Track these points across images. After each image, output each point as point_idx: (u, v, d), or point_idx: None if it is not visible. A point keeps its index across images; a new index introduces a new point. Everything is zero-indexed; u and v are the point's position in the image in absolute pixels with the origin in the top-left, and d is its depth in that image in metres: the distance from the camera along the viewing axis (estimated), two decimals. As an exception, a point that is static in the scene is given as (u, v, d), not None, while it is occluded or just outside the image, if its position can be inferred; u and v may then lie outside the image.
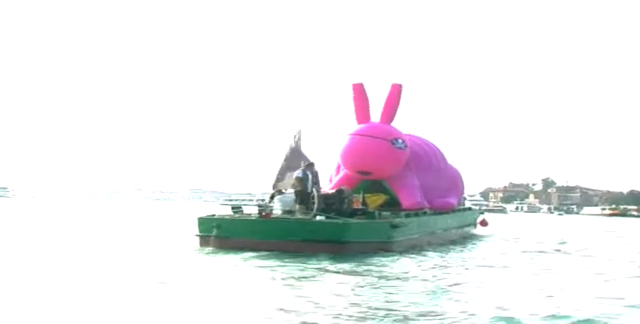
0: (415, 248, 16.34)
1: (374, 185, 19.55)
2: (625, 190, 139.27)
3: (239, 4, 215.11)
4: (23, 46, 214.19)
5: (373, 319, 7.49)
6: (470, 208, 28.24)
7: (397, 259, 13.80)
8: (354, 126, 19.74)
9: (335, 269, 11.89)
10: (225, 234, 15.01)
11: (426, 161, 20.69)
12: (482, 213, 29.03)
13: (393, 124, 19.93)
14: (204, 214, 16.32)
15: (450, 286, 10.27)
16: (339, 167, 20.13)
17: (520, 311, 7.98)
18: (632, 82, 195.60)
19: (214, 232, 15.05)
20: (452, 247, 18.39)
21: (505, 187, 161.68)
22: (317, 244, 14.27)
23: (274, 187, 17.28)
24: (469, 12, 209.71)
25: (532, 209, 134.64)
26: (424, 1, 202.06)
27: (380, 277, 10.93)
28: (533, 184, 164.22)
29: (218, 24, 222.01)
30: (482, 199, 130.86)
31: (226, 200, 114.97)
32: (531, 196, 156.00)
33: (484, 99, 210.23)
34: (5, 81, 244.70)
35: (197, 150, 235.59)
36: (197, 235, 15.58)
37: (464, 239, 21.75)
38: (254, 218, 15.76)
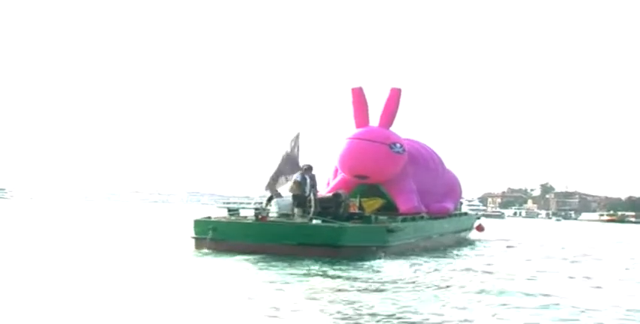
0: (411, 253, 16.32)
1: (371, 189, 19.54)
2: (623, 197, 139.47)
3: (236, 7, 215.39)
4: (19, 49, 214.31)
5: None
6: (466, 213, 28.23)
7: (392, 263, 13.77)
8: (353, 130, 19.76)
9: (328, 273, 11.84)
10: (221, 236, 15.00)
11: (423, 166, 20.68)
12: (479, 218, 28.97)
13: (392, 128, 19.94)
14: (200, 217, 16.32)
15: (442, 290, 10.25)
16: (336, 171, 20.12)
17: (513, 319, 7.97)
18: (631, 88, 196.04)
19: (210, 234, 15.03)
20: (448, 252, 18.37)
21: (503, 192, 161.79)
22: (313, 247, 14.26)
23: (266, 189, 17.22)
24: (468, 17, 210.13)
25: (530, 215, 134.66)
26: (423, 5, 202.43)
27: (373, 282, 10.88)
28: (532, 190, 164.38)
29: (217, 26, 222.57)
30: (480, 204, 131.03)
31: (225, 203, 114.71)
32: (530, 201, 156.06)
33: (483, 104, 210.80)
34: (3, 83, 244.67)
35: (196, 153, 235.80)
36: (193, 238, 15.58)
37: (459, 244, 21.74)
38: (250, 221, 15.73)
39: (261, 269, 12.24)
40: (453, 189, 22.88)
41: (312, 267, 12.58)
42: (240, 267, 12.56)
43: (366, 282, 10.88)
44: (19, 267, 11.59)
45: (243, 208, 18.57)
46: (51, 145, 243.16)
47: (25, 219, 34.32)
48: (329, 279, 11.19)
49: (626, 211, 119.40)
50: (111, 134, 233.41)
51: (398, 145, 19.26)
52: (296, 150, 17.30)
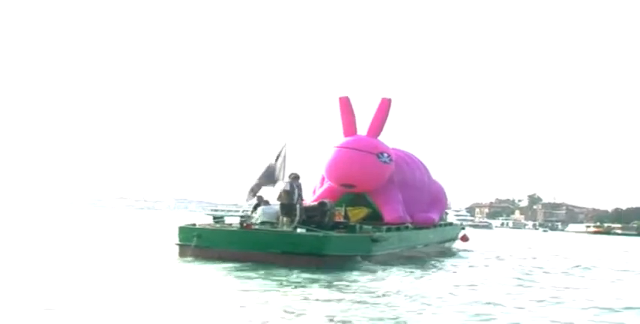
0: (394, 262, 16.33)
1: (357, 198, 19.59)
2: (610, 208, 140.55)
3: (225, 15, 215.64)
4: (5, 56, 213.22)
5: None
6: (451, 224, 28.33)
7: (375, 273, 13.79)
8: (341, 138, 19.82)
9: (308, 283, 11.79)
10: (205, 244, 14.98)
11: (409, 176, 20.76)
12: (464, 228, 29.13)
13: (380, 137, 20.01)
14: (185, 223, 16.28)
15: (418, 301, 10.26)
16: (323, 179, 20.16)
17: None
18: (620, 101, 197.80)
19: (194, 241, 15.00)
20: (430, 262, 18.38)
21: (491, 202, 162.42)
22: (297, 256, 14.26)
23: (247, 199, 17.20)
24: (457, 28, 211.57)
25: (517, 225, 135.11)
26: (411, 16, 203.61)
27: (354, 292, 10.87)
28: (519, 200, 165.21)
29: (207, 36, 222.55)
30: (468, 214, 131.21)
31: (212, 210, 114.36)
32: (517, 212, 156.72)
33: (472, 115, 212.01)
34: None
35: (184, 159, 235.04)
36: (177, 244, 15.53)
37: (443, 254, 21.78)
38: (235, 229, 15.72)
39: (238, 277, 12.21)
40: (438, 199, 22.94)
41: (292, 276, 12.54)
42: (219, 275, 12.53)
43: (346, 292, 10.83)
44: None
45: (232, 215, 18.54)
46: (35, 151, 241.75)
47: (6, 224, 33.95)
48: (308, 288, 11.13)
49: (613, 222, 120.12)
50: (97, 140, 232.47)
51: (385, 154, 19.34)
52: (281, 161, 17.24)
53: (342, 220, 17.41)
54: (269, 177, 16.93)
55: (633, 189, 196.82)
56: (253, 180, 17.01)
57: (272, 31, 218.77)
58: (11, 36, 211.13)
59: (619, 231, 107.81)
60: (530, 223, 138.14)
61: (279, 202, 16.19)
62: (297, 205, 15.83)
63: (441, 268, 17.01)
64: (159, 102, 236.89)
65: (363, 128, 19.98)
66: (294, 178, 16.48)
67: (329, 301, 9.81)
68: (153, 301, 9.13)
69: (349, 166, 19.05)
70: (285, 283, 11.68)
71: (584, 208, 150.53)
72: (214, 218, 17.40)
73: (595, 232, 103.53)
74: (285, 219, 15.74)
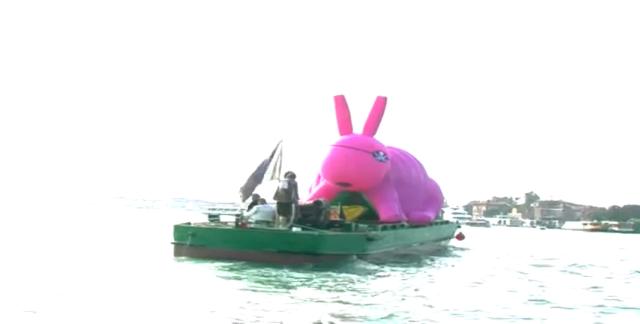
0: (390, 261, 16.32)
1: (353, 197, 19.56)
2: (607, 206, 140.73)
3: (220, 14, 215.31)
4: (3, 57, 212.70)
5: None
6: (447, 222, 28.34)
7: (370, 271, 13.77)
8: (337, 137, 19.79)
9: (302, 281, 11.75)
10: (200, 242, 14.93)
11: (405, 174, 20.74)
12: (459, 226, 29.16)
13: (376, 136, 19.98)
14: (180, 222, 16.24)
15: (422, 298, 10.27)
16: (319, 178, 20.13)
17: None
18: (616, 99, 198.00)
19: (189, 240, 14.96)
20: (426, 260, 18.34)
21: (489, 200, 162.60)
22: (292, 255, 14.23)
23: (243, 199, 17.09)
24: (453, 26, 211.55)
25: (515, 223, 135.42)
26: (407, 14, 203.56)
27: (349, 291, 10.85)
28: (517, 198, 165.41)
29: (202, 36, 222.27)
30: (465, 212, 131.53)
31: (210, 209, 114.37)
32: (514, 210, 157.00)
33: (469, 113, 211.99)
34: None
35: (181, 158, 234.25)
36: (172, 243, 15.49)
37: (439, 253, 21.77)
38: (230, 227, 15.68)
39: (231, 277, 12.15)
40: (434, 197, 22.94)
41: (286, 275, 12.49)
42: (212, 274, 12.48)
43: (341, 291, 10.80)
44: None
45: (229, 214, 18.48)
46: (34, 150, 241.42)
47: (4, 224, 33.90)
48: (302, 288, 11.07)
49: (610, 220, 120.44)
50: (96, 139, 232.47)
51: (381, 153, 19.31)
52: (276, 158, 17.12)
53: (337, 218, 17.40)
54: (257, 177, 16.79)
55: (630, 186, 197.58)
56: (243, 180, 16.87)
57: (268, 30, 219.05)
58: (11, 36, 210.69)
59: (616, 228, 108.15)
60: (527, 221, 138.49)
61: (275, 201, 16.14)
62: (293, 204, 15.80)
63: (436, 267, 16.99)
64: (157, 101, 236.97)
65: (358, 127, 19.95)
66: (291, 176, 16.39)
67: (323, 301, 9.76)
68: (143, 301, 9.09)
69: (345, 165, 19.02)
70: (278, 282, 11.62)
71: (581, 205, 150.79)
72: (210, 217, 17.36)
73: (592, 230, 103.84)
74: (281, 218, 15.70)
